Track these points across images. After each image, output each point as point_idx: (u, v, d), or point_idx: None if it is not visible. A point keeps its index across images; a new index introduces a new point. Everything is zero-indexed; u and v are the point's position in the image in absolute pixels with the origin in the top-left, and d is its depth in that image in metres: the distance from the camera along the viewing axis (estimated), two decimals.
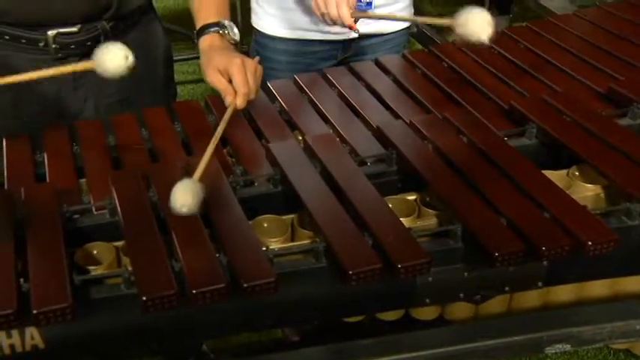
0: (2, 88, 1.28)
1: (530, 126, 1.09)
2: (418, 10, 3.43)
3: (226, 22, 1.27)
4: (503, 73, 1.30)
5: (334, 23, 1.31)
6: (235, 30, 1.27)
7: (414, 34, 3.08)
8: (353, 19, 1.29)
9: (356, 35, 1.55)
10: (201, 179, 0.89)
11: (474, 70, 1.32)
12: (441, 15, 3.92)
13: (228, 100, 1.14)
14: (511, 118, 1.15)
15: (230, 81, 1.15)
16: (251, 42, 1.70)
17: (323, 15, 1.32)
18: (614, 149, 1.01)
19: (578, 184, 0.99)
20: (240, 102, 1.14)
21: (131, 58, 0.83)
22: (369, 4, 1.51)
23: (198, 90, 3.08)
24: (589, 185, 0.99)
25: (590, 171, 1.00)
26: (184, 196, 0.84)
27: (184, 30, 2.69)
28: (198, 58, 1.27)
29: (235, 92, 1.14)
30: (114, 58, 0.83)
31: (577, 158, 1.02)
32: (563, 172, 1.02)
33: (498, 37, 1.48)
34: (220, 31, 1.26)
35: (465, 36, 1.00)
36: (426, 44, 3.30)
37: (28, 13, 1.20)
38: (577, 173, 1.02)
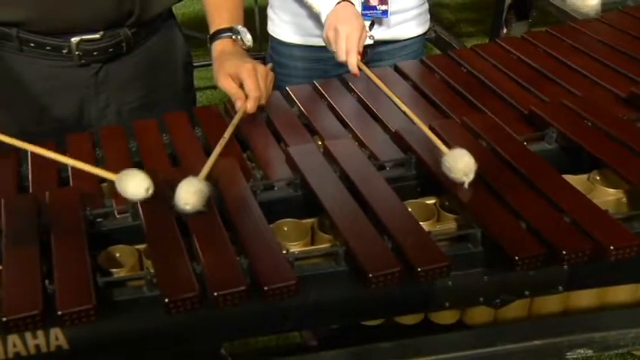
0: (25, 95, 1.31)
1: (551, 130, 1.08)
2: (435, 17, 3.43)
3: (239, 28, 1.28)
4: (522, 78, 1.30)
5: None
6: (248, 36, 1.28)
7: (431, 39, 3.08)
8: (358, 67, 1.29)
9: (371, 42, 1.55)
10: (208, 178, 0.92)
11: (493, 75, 1.32)
12: (459, 21, 3.92)
13: (239, 104, 1.15)
14: (531, 123, 1.14)
15: (241, 86, 1.16)
16: (268, 48, 1.71)
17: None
18: (635, 153, 1.00)
19: (600, 189, 0.99)
20: (250, 106, 1.15)
21: (151, 191, 0.89)
22: (385, 12, 1.51)
23: (217, 96, 3.10)
24: (610, 189, 0.98)
25: (612, 175, 0.99)
26: (187, 195, 0.87)
27: (204, 37, 2.72)
28: None
29: (246, 96, 1.15)
30: (136, 187, 0.89)
31: (598, 162, 1.02)
32: (584, 176, 1.02)
33: (518, 41, 1.49)
34: (233, 37, 1.27)
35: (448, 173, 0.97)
36: (444, 49, 3.30)
37: (53, 21, 1.23)
38: (598, 177, 1.01)
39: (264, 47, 1.74)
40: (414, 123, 1.08)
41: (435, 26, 3.30)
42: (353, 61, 1.29)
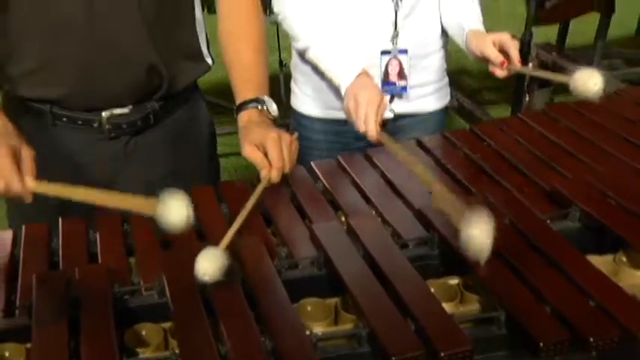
0: (57, 168, 1.34)
1: (574, 209, 1.09)
2: (457, 84, 3.47)
3: (265, 98, 1.32)
4: (545, 154, 1.31)
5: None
6: (274, 106, 1.33)
7: (453, 107, 3.13)
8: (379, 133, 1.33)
9: (391, 115, 1.58)
10: (228, 248, 0.94)
11: (516, 150, 1.34)
12: (481, 89, 3.96)
13: (264, 173, 1.17)
14: (554, 200, 1.15)
15: (266, 155, 1.19)
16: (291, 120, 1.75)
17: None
18: None
19: (626, 271, 0.98)
20: (274, 175, 1.17)
21: (192, 219, 0.88)
22: (404, 88, 1.55)
23: (242, 162, 3.14)
24: (637, 272, 0.97)
25: (639, 256, 0.99)
26: (206, 265, 0.89)
27: (227, 104, 2.78)
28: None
29: (270, 165, 1.17)
30: (177, 213, 0.88)
31: (624, 243, 1.01)
32: (610, 257, 1.01)
33: (540, 116, 1.51)
34: (259, 107, 1.31)
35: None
36: (466, 117, 3.34)
37: (86, 98, 1.28)
38: (624, 259, 1.00)
39: (289, 114, 1.77)
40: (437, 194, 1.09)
41: (457, 94, 3.35)
42: (372, 128, 1.32)
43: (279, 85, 3.19)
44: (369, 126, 1.33)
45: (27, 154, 1.05)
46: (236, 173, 3.13)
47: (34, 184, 1.02)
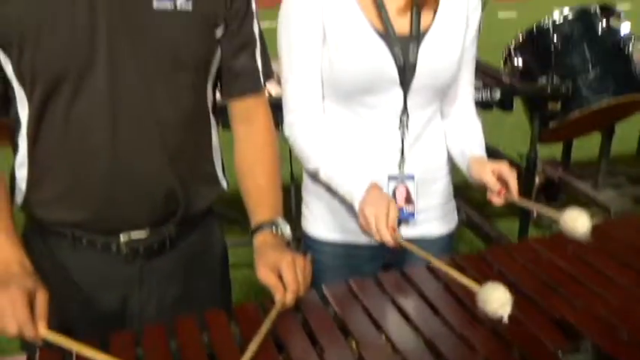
0: (72, 288, 1.36)
1: (585, 342, 1.09)
2: (464, 197, 3.50)
3: (279, 220, 1.37)
4: (554, 282, 1.31)
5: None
6: (288, 229, 1.37)
7: (461, 219, 3.16)
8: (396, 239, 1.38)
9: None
10: None
11: (525, 277, 1.35)
12: (488, 202, 4.00)
13: (278, 297, 1.19)
14: (563, 330, 1.15)
15: (280, 277, 1.20)
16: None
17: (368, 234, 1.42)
18: None
19: None
20: (289, 299, 1.19)
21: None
22: (412, 214, 1.58)
23: (251, 274, 3.11)
24: None
25: None
26: None
27: (238, 215, 2.80)
28: (251, 242, 1.36)
29: (285, 289, 1.19)
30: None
31: None
32: None
33: (547, 241, 1.53)
34: (273, 230, 1.34)
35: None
36: (475, 230, 3.36)
37: (106, 222, 1.31)
38: None
39: (299, 234, 1.78)
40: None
41: (465, 207, 3.39)
42: (386, 238, 1.37)
43: (290, 197, 3.22)
44: (382, 235, 1.37)
45: (42, 297, 1.07)
46: (246, 285, 3.10)
47: (46, 331, 1.04)
